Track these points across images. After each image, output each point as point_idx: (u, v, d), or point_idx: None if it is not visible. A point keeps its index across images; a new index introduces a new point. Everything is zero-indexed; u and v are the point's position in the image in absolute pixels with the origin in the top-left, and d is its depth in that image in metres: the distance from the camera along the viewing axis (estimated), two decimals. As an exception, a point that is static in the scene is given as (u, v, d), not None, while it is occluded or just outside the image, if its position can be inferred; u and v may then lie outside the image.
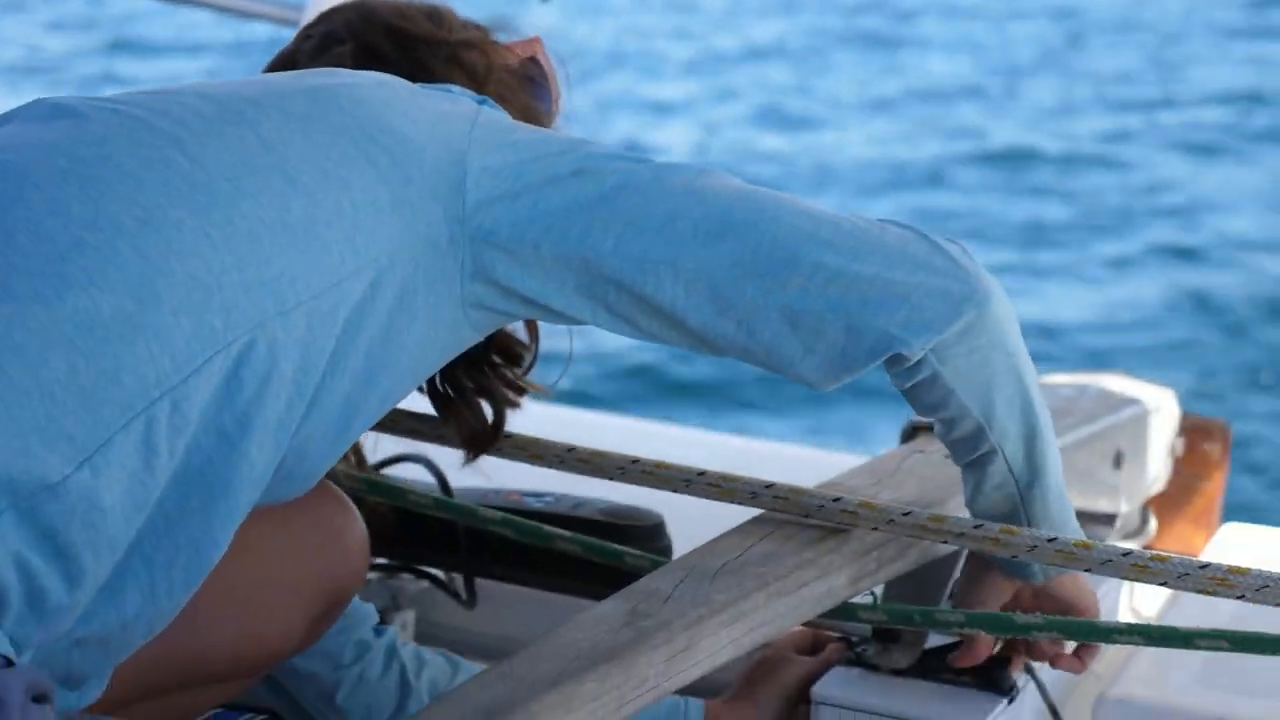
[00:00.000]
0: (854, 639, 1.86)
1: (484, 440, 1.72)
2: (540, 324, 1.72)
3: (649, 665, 1.38)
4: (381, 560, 2.05)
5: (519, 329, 1.71)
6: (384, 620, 2.01)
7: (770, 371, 1.54)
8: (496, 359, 1.69)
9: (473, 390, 1.69)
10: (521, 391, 1.71)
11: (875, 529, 1.63)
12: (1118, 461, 2.07)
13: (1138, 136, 12.07)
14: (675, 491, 1.71)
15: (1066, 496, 1.66)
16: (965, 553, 1.75)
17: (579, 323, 1.55)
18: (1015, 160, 11.25)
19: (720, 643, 1.46)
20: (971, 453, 1.60)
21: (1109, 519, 2.11)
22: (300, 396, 1.41)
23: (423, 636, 2.10)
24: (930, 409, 1.58)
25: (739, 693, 1.83)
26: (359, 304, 1.43)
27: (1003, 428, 1.58)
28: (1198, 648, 1.55)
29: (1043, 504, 1.62)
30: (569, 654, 1.34)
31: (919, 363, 1.52)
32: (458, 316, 1.51)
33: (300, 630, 1.60)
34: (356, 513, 1.65)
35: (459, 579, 2.02)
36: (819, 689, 1.78)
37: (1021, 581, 1.69)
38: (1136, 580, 1.55)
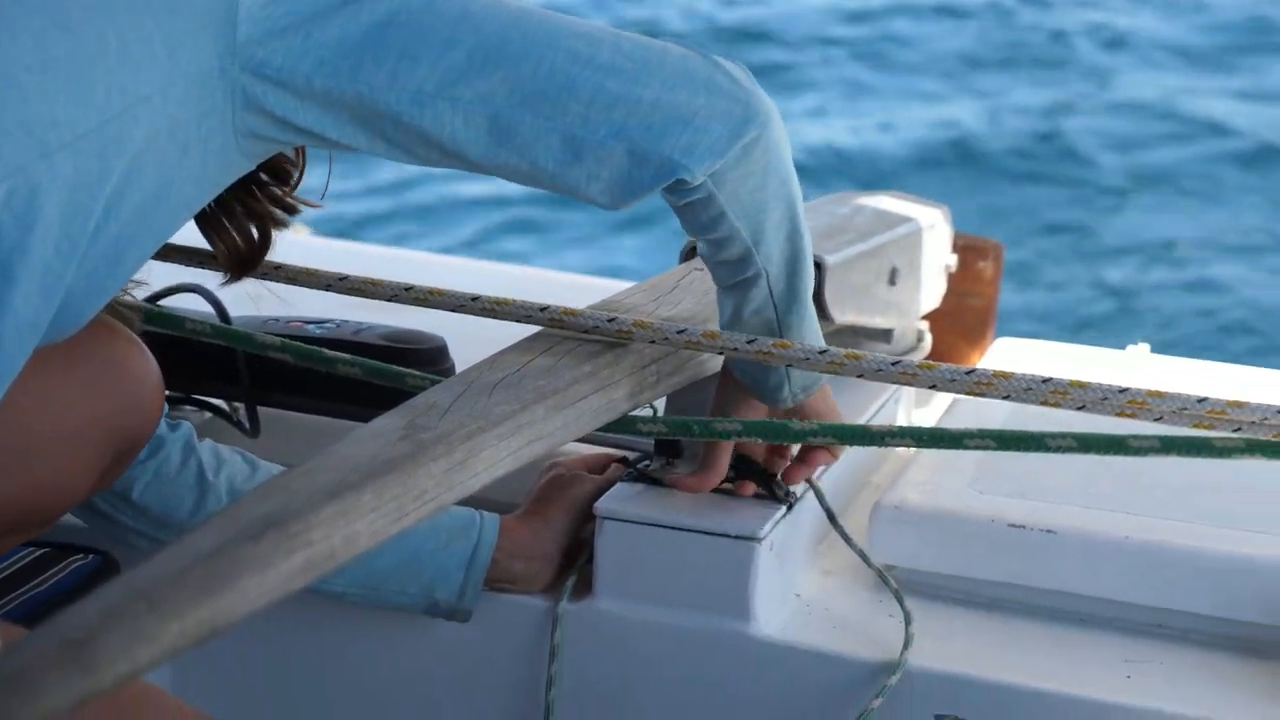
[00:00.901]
0: (631, 456, 1.90)
1: (251, 261, 1.70)
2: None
3: (427, 477, 1.38)
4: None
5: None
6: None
7: (556, 194, 1.56)
8: (265, 178, 1.67)
9: (242, 212, 1.67)
10: (291, 210, 1.69)
11: (652, 343, 1.66)
12: (892, 278, 2.12)
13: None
14: (453, 312, 1.72)
15: (818, 323, 1.70)
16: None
17: (357, 151, 1.55)
18: None
19: (499, 455, 1.48)
20: (736, 275, 1.63)
21: (885, 334, 2.16)
22: (71, 241, 1.39)
23: (207, 467, 2.09)
24: (701, 229, 1.60)
25: (531, 509, 1.86)
26: (129, 143, 1.41)
27: (769, 251, 1.61)
28: (966, 447, 1.61)
29: (798, 330, 1.66)
30: (346, 467, 1.34)
31: (697, 184, 1.54)
32: (230, 147, 1.49)
33: (92, 477, 1.59)
34: (148, 351, 1.63)
35: (241, 409, 2.01)
36: (601, 504, 1.81)
37: (773, 405, 1.74)
38: (906, 384, 1.60)
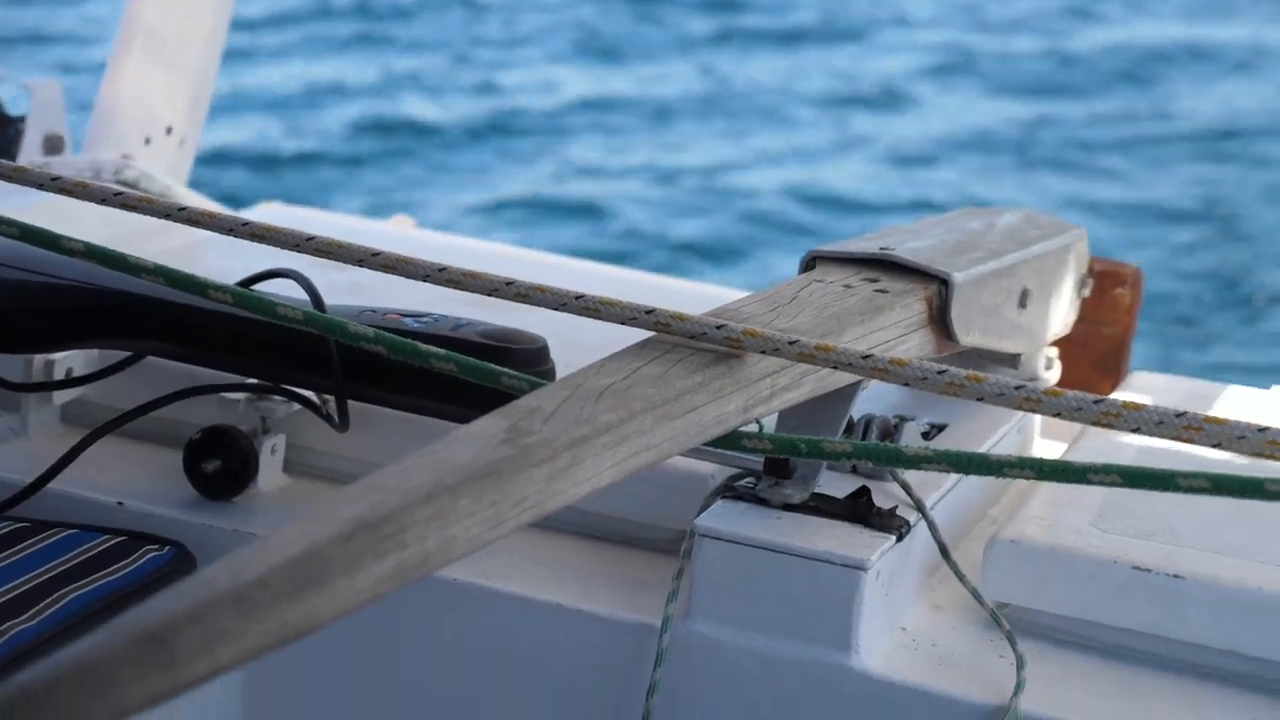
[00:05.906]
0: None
1: None
2: None
3: (529, 484, 1.38)
4: (252, 381, 2.07)
5: None
6: (253, 443, 2.03)
7: None
8: None
9: None
10: None
11: (762, 353, 1.66)
12: (1023, 300, 2.11)
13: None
14: (555, 309, 1.72)
15: None
16: (861, 385, 1.80)
17: None
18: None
19: (603, 465, 1.47)
20: None
21: (1011, 360, 2.16)
22: None
23: (293, 461, 2.13)
24: None
25: None
26: None
27: None
28: (1091, 482, 1.59)
29: None
30: (444, 468, 1.33)
31: None
32: None
33: None
34: None
35: (331, 401, 2.04)
36: (700, 521, 1.82)
37: None
38: (1029, 411, 1.59)
